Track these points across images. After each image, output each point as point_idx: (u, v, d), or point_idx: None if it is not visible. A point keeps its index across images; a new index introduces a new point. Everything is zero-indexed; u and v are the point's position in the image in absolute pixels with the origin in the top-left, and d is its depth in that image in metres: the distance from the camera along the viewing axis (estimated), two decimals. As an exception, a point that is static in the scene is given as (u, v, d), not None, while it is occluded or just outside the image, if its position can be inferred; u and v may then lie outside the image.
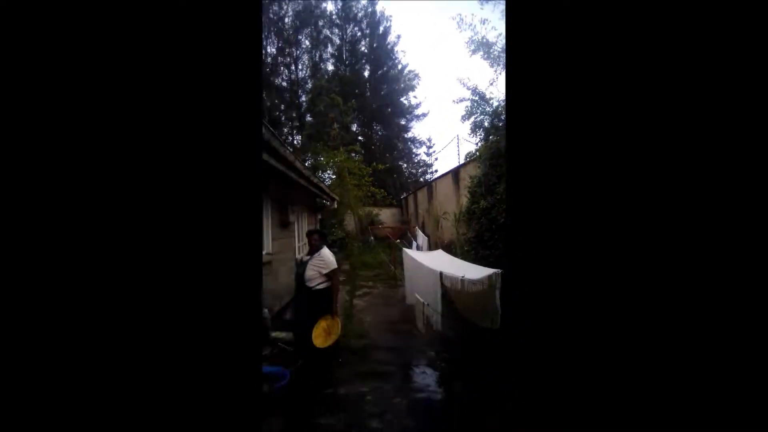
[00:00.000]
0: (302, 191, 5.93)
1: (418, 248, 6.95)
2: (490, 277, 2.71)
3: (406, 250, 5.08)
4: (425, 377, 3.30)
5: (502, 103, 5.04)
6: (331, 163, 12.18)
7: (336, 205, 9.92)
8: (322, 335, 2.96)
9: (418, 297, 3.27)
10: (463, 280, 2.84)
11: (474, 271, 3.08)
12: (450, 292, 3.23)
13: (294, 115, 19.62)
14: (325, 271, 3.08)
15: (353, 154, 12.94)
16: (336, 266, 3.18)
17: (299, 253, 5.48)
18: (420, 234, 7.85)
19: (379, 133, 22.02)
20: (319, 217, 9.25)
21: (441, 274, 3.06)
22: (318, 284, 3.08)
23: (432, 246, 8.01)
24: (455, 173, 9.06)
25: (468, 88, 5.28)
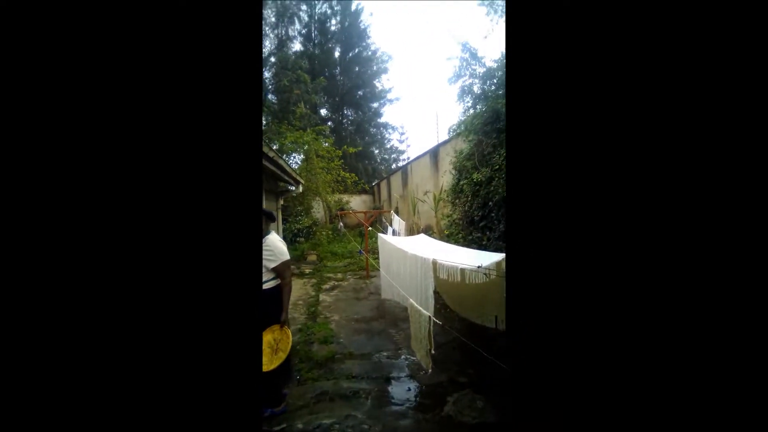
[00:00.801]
0: (256, 168, 4.92)
1: (395, 233, 6.19)
2: (498, 264, 1.98)
3: (381, 235, 4.29)
4: (408, 394, 2.58)
5: (495, 63, 4.28)
6: (297, 145, 11.03)
7: (302, 190, 8.97)
8: (267, 353, 2.09)
9: (420, 309, 2.34)
10: (463, 270, 2.07)
11: (475, 258, 2.32)
12: (441, 284, 2.46)
13: (256, 94, 17.86)
14: (272, 265, 2.17)
15: (322, 136, 11.89)
16: (288, 257, 2.27)
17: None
18: (396, 218, 7.07)
19: (350, 117, 20.83)
20: (281, 203, 8.28)
21: (435, 262, 2.26)
22: (262, 282, 2.20)
23: (409, 231, 7.31)
24: (434, 153, 8.40)
25: (458, 43, 4.43)
